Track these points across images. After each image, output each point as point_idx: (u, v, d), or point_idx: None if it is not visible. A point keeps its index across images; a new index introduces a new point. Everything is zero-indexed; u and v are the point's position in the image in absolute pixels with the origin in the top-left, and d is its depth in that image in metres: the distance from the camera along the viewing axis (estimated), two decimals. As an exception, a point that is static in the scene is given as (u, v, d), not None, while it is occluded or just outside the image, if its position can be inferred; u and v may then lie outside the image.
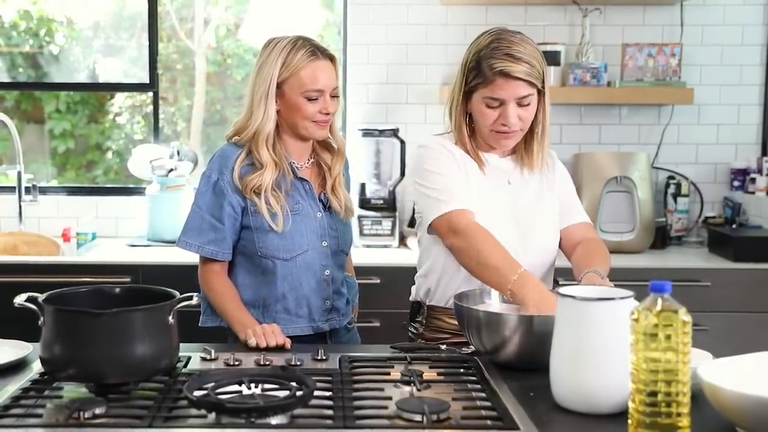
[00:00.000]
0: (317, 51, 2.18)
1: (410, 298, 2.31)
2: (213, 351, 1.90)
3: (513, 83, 2.03)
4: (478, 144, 2.18)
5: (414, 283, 2.31)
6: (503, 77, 2.02)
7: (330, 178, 2.28)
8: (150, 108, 4.19)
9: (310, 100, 2.17)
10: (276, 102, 2.19)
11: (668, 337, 1.32)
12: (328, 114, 2.19)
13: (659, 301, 1.33)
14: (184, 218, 2.24)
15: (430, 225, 2.12)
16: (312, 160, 2.30)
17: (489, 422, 1.50)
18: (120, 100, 5.08)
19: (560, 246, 2.23)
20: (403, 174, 3.77)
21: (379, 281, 3.26)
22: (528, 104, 2.07)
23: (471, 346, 1.94)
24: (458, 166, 2.14)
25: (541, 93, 2.10)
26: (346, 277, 2.37)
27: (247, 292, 2.22)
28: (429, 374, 1.77)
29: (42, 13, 4.96)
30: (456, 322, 2.05)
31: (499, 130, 2.09)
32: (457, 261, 2.08)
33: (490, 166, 2.19)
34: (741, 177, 3.92)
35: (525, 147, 2.18)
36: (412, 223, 3.63)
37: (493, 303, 2.02)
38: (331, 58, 2.21)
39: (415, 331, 2.26)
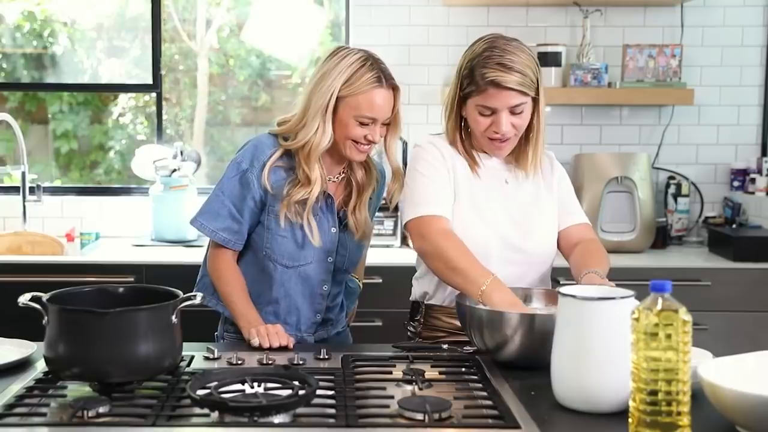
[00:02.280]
0: (383, 78, 2.09)
1: (410, 298, 2.32)
2: (216, 350, 1.91)
3: (505, 93, 2.03)
4: (472, 146, 2.19)
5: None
6: (495, 87, 2.03)
7: (356, 198, 2.22)
8: (153, 109, 4.21)
9: (361, 124, 2.10)
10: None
11: (669, 336, 1.32)
12: (371, 142, 2.13)
13: (660, 300, 1.34)
14: (188, 218, 2.24)
15: (404, 226, 2.14)
16: (343, 175, 2.24)
17: (490, 421, 1.51)
18: (123, 100, 5.09)
19: (558, 246, 2.24)
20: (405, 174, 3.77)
21: (381, 281, 3.28)
22: (521, 112, 2.07)
23: (472, 345, 1.95)
24: (447, 169, 2.14)
25: (535, 100, 2.10)
26: (348, 280, 2.36)
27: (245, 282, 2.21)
28: (431, 373, 1.78)
29: (46, 14, 4.97)
30: (454, 321, 2.05)
31: (492, 137, 2.10)
32: (426, 265, 2.10)
33: (485, 166, 2.19)
34: (741, 177, 3.93)
35: (519, 151, 2.18)
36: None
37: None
38: (395, 88, 2.13)
39: (413, 330, 2.27)
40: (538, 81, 2.08)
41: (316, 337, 2.26)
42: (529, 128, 2.14)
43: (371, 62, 2.10)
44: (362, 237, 2.26)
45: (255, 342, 2.01)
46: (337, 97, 2.08)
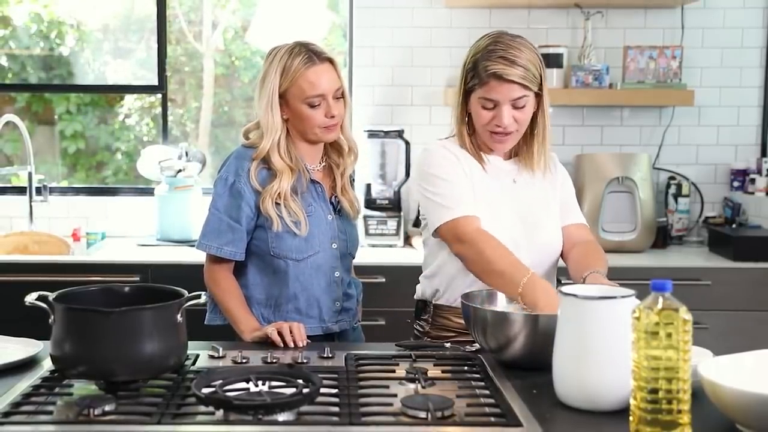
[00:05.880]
0: (313, 56, 2.18)
1: (415, 297, 2.33)
2: (221, 349, 1.92)
3: (506, 85, 2.05)
4: (479, 146, 2.21)
5: (418, 282, 2.33)
6: (497, 79, 2.05)
7: (340, 180, 2.30)
8: (159, 109, 4.22)
9: (312, 106, 2.17)
10: (284, 111, 2.21)
11: (669, 335, 1.33)
12: (333, 117, 2.19)
13: (660, 299, 1.35)
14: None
15: (435, 231, 2.14)
16: (324, 163, 2.32)
17: (492, 419, 1.51)
18: (129, 101, 5.11)
19: None
20: (408, 175, 3.79)
21: (384, 280, 3.28)
22: (523, 106, 2.09)
23: (475, 344, 1.97)
24: (463, 170, 2.15)
25: (539, 96, 2.12)
26: (351, 278, 2.39)
27: (258, 290, 2.24)
28: (433, 372, 1.79)
29: (52, 15, 4.99)
30: (462, 321, 2.07)
31: (494, 131, 2.11)
32: (465, 267, 2.10)
33: (494, 166, 2.21)
34: (741, 177, 3.94)
35: (526, 149, 2.20)
36: (417, 223, 3.65)
37: (500, 303, 2.03)
38: (330, 61, 2.21)
39: (421, 329, 2.28)
40: (541, 77, 2.10)
41: (339, 326, 2.29)
42: (534, 126, 2.16)
43: (298, 48, 2.19)
44: (356, 214, 2.34)
45: (277, 338, 2.02)
46: (282, 93, 2.18)
